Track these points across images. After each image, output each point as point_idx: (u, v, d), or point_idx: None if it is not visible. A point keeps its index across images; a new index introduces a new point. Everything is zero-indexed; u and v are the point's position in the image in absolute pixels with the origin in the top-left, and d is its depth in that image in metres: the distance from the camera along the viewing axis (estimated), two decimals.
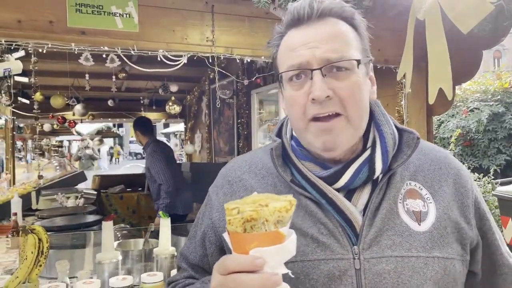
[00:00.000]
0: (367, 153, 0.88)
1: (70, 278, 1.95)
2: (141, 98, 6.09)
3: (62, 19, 1.75)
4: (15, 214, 3.17)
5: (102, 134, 21.23)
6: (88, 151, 12.76)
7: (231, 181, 0.97)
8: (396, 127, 0.93)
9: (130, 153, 30.71)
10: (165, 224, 2.03)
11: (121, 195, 5.71)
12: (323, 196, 0.87)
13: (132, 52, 1.90)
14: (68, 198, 3.82)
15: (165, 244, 2.00)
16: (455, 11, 1.31)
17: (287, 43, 0.89)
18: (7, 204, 3.83)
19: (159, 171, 3.92)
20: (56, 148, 22.08)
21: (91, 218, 3.09)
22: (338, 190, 0.87)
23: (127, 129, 28.05)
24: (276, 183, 0.92)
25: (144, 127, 4.25)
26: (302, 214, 0.87)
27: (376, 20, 2.26)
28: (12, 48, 1.85)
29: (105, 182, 6.01)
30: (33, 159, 16.97)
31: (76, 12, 1.76)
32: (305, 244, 0.85)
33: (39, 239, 1.73)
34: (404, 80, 2.46)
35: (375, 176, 0.87)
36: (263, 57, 1.96)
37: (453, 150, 5.39)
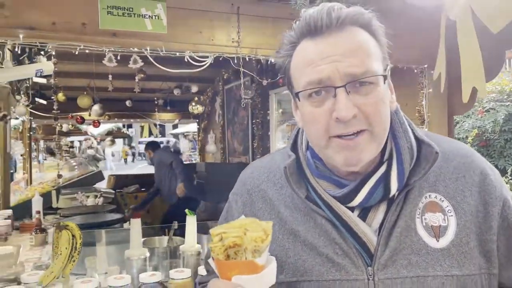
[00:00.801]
0: (382, 168, 0.84)
1: (98, 274, 2.00)
2: (155, 98, 6.16)
3: (94, 21, 1.80)
4: (38, 212, 3.23)
5: (112, 134, 21.38)
6: (91, 151, 11.85)
7: (250, 190, 0.96)
8: (415, 137, 0.87)
9: (140, 154, 30.88)
10: (191, 222, 2.07)
11: (135, 195, 5.79)
12: (337, 217, 0.85)
13: (161, 53, 1.94)
14: (87, 197, 3.88)
15: (191, 241, 2.04)
16: (486, 12, 1.34)
17: (304, 56, 0.82)
18: (26, 203, 3.91)
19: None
20: (68, 149, 22.25)
21: (112, 216, 3.15)
22: (353, 209, 0.85)
23: (137, 130, 28.19)
24: (293, 195, 0.90)
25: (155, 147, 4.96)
26: (318, 232, 0.86)
27: (396, 20, 2.29)
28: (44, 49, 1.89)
29: (120, 181, 6.08)
30: (45, 159, 17.16)
31: (108, 14, 1.81)
32: (320, 263, 0.85)
33: (73, 235, 1.78)
34: (425, 80, 2.49)
35: (391, 195, 0.84)
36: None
37: None
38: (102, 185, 5.94)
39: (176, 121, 7.37)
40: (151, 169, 5.15)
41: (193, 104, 4.57)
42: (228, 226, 0.71)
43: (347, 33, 0.79)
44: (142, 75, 3.89)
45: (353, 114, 0.77)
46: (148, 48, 1.94)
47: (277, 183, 0.93)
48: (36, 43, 1.77)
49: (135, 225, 2.01)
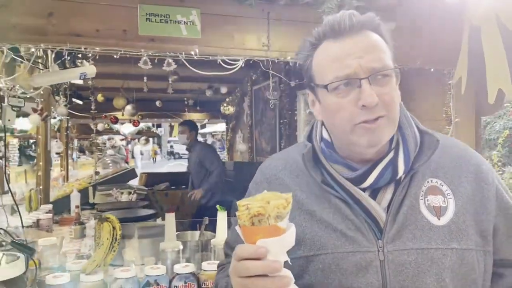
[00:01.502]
0: (391, 155, 0.96)
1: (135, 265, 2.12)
2: (185, 99, 6.32)
3: (134, 27, 1.92)
4: (77, 207, 3.42)
5: (142, 133, 21.85)
6: (110, 152, 11.14)
7: (269, 179, 1.07)
8: (418, 128, 1.00)
9: (169, 153, 31.38)
10: (221, 217, 2.18)
11: (166, 192, 5.95)
12: (350, 196, 0.95)
13: (195, 57, 2.05)
14: (122, 193, 4.06)
15: (221, 235, 2.14)
16: (509, 15, 1.37)
17: (328, 54, 0.94)
18: (64, 199, 4.12)
19: (213, 160, 4.72)
20: (100, 147, 22.87)
21: (145, 211, 3.30)
22: (364, 189, 0.96)
23: (166, 129, 28.70)
24: (309, 182, 1.01)
25: (194, 126, 4.89)
26: (333, 211, 0.97)
27: (424, 22, 2.32)
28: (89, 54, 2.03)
29: (151, 179, 6.27)
30: (79, 157, 17.73)
31: (147, 21, 1.94)
32: (334, 238, 0.95)
33: (113, 227, 1.91)
34: (452, 81, 2.51)
35: (398, 177, 0.95)
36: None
37: (500, 151, 5.29)
38: (135, 183, 6.15)
39: (205, 121, 7.52)
40: (180, 168, 5.29)
41: (225, 105, 4.71)
42: (252, 199, 0.79)
43: (365, 35, 0.93)
44: (175, 77, 4.03)
45: (377, 101, 0.89)
46: (183, 52, 2.06)
47: (293, 171, 1.04)
48: (81, 48, 1.92)
49: (170, 219, 2.13)
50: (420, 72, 2.55)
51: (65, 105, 4.97)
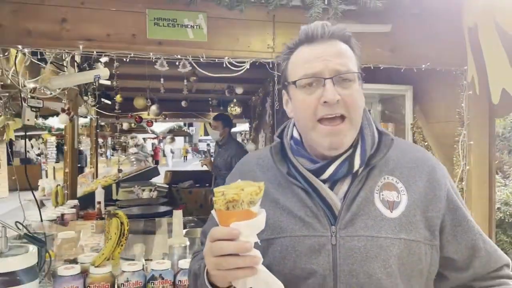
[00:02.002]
0: (349, 152, 1.06)
1: (145, 260, 2.21)
2: (209, 99, 6.42)
3: (142, 32, 2.01)
4: (99, 203, 3.57)
5: (174, 132, 22.23)
6: (133, 150, 10.78)
7: (242, 172, 1.19)
8: (377, 129, 1.11)
9: (199, 151, 31.79)
10: None
11: (190, 190, 6.08)
12: (311, 186, 1.06)
13: (201, 59, 2.12)
14: (143, 190, 4.19)
15: None
16: (504, 15, 1.35)
17: (301, 56, 1.06)
18: (90, 195, 4.30)
19: None
20: (124, 146, 23.48)
21: (163, 208, 3.40)
22: (324, 181, 1.06)
23: (197, 129, 29.11)
24: (276, 174, 1.13)
25: (228, 122, 4.85)
26: (294, 200, 1.08)
27: (435, 22, 2.29)
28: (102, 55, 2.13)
29: (176, 177, 6.42)
30: (112, 155, 18.30)
31: (155, 25, 2.01)
32: (293, 223, 1.05)
33: (121, 223, 2.00)
34: (465, 82, 2.46)
35: (354, 170, 1.05)
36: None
37: None
38: (159, 180, 6.31)
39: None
40: (205, 166, 5.36)
41: (232, 105, 4.78)
42: (228, 186, 0.88)
43: (334, 43, 1.05)
44: (194, 78, 4.12)
45: (338, 98, 1.00)
46: (190, 55, 2.12)
47: (264, 166, 1.17)
48: (93, 52, 2.02)
49: (177, 216, 2.20)
50: (433, 73, 2.52)
51: (93, 105, 5.18)
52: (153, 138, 25.10)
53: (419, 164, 1.10)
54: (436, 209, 1.05)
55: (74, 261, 2.13)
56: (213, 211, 0.89)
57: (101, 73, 2.17)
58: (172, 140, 18.70)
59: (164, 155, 24.87)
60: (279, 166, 1.12)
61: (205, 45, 2.08)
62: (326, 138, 1.02)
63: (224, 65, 2.17)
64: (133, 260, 2.22)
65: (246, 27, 2.12)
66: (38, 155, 16.03)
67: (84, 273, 1.91)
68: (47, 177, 9.29)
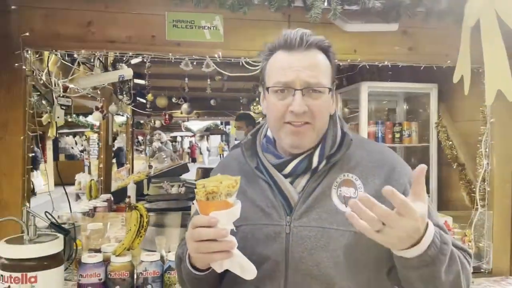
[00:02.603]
0: (310, 150, 1.15)
1: (167, 252, 2.31)
2: (240, 97, 6.52)
3: (161, 33, 2.10)
4: (129, 197, 3.75)
5: (210, 131, 22.59)
6: (156, 144, 11.00)
7: (224, 165, 1.35)
8: (342, 130, 1.20)
9: None
10: None
11: None
12: (273, 180, 1.17)
13: (218, 59, 2.19)
14: (172, 186, 4.33)
15: None
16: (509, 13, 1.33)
17: (277, 62, 1.14)
18: (124, 189, 4.49)
19: None
20: (171, 143, 24.08)
21: (189, 203, 3.51)
22: (286, 175, 1.16)
23: (232, 127, 29.32)
24: (247, 169, 1.23)
25: (251, 120, 4.77)
26: (258, 192, 1.18)
27: (455, 21, 2.25)
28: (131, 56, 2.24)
29: (207, 174, 6.52)
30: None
31: (173, 27, 2.10)
32: (255, 212, 1.16)
33: (141, 215, 2.11)
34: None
35: (313, 167, 1.15)
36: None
37: None
38: (191, 177, 6.47)
39: (260, 119, 7.69)
40: None
41: (254, 104, 4.82)
42: (209, 179, 0.99)
43: (310, 53, 1.12)
44: (220, 77, 4.21)
45: (303, 110, 1.10)
46: (207, 55, 2.20)
47: (241, 161, 1.27)
48: (116, 53, 2.14)
49: (194, 209, 2.27)
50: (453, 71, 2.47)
51: (129, 104, 5.39)
52: (191, 136, 25.62)
53: (380, 164, 1.17)
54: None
55: (99, 251, 2.26)
56: (194, 201, 0.99)
57: (125, 73, 2.29)
58: (201, 138, 18.97)
59: (201, 153, 25.30)
60: (248, 161, 1.22)
61: (222, 45, 2.15)
62: (289, 137, 1.13)
63: (241, 65, 2.23)
64: (155, 251, 2.32)
65: (262, 27, 2.17)
66: (82, 151, 16.74)
67: (106, 261, 2.03)
68: (90, 172, 9.71)
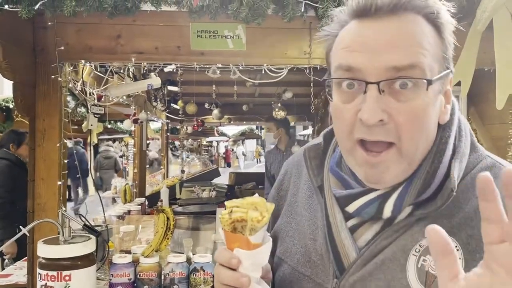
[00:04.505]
0: (391, 188, 0.72)
1: (193, 254, 2.40)
2: (272, 102, 6.57)
3: (186, 44, 2.19)
4: (161, 201, 3.88)
5: (245, 135, 22.78)
6: (153, 154, 9.71)
7: (294, 162, 0.98)
8: (449, 165, 0.71)
9: None
10: None
11: (252, 191, 6.27)
12: (326, 218, 0.80)
13: (240, 67, 2.26)
14: (203, 190, 4.44)
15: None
16: None
17: (342, 39, 0.71)
18: (157, 193, 4.64)
19: None
20: (207, 148, 24.49)
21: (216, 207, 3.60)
22: (351, 215, 0.77)
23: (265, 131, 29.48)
24: (309, 183, 0.88)
25: (281, 122, 4.55)
26: (314, 224, 0.84)
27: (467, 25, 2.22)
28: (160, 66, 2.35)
29: (240, 179, 6.65)
30: (187, 157, 19.25)
31: (197, 37, 2.19)
32: (301, 253, 0.83)
33: (167, 218, 2.20)
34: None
35: (384, 217, 0.73)
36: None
37: None
38: (223, 181, 6.58)
39: (292, 123, 7.70)
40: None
41: (276, 110, 4.82)
42: (241, 201, 0.73)
43: (401, 20, 0.66)
44: (251, 83, 4.28)
45: (379, 119, 0.64)
46: (230, 63, 2.28)
47: (301, 169, 0.92)
48: (144, 64, 2.25)
49: (220, 213, 2.34)
50: (487, 73, 2.42)
51: (163, 110, 5.56)
52: (226, 141, 25.96)
53: None
54: None
55: (129, 252, 2.36)
56: (220, 229, 0.77)
57: (153, 82, 2.41)
58: (234, 143, 19.10)
59: (237, 157, 25.58)
60: (311, 175, 0.84)
61: (244, 53, 2.22)
62: (361, 168, 0.71)
63: (263, 72, 2.29)
64: (183, 253, 2.41)
65: (283, 35, 2.22)
66: (121, 156, 17.31)
67: (136, 262, 2.13)
68: (126, 177, 10.05)
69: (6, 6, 1.55)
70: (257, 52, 2.23)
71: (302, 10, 1.67)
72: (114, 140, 16.76)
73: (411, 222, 0.72)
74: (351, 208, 0.75)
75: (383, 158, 0.67)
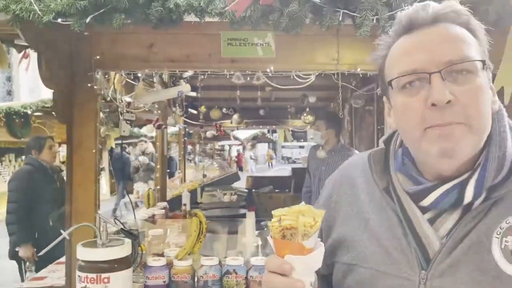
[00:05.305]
0: (465, 175, 0.78)
1: (223, 257, 2.45)
2: (288, 106, 6.62)
3: (217, 51, 2.25)
4: (185, 205, 3.93)
5: (257, 139, 22.83)
6: (143, 159, 8.98)
7: (342, 176, 1.02)
8: None
9: (283, 157, 32.15)
10: None
11: (270, 195, 6.30)
12: (403, 213, 0.84)
13: (270, 74, 2.31)
14: (224, 194, 4.49)
15: None
16: None
17: (398, 49, 0.83)
18: (178, 198, 4.71)
19: None
20: (219, 152, 24.61)
21: (241, 211, 3.66)
22: (426, 209, 0.82)
23: (281, 135, 29.44)
24: (375, 188, 0.91)
25: (333, 121, 4.07)
26: (386, 225, 0.87)
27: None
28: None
29: (257, 182, 6.70)
30: (200, 161, 19.37)
31: (228, 45, 2.24)
32: (378, 253, 0.86)
33: (200, 221, 2.25)
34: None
35: (465, 202, 0.78)
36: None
37: None
38: (241, 185, 6.64)
39: (308, 127, 7.74)
40: (283, 172, 5.57)
41: (305, 114, 4.85)
42: (288, 210, 0.76)
43: (443, 26, 0.80)
44: (270, 88, 4.34)
45: (448, 99, 0.74)
46: (260, 70, 2.33)
47: (367, 174, 0.95)
48: (176, 71, 2.31)
49: (250, 217, 2.40)
50: None
51: (181, 115, 5.64)
52: (238, 145, 26.06)
53: None
54: None
55: (161, 255, 2.42)
56: (268, 237, 0.80)
57: (184, 89, 2.47)
58: (253, 146, 19.15)
59: (250, 160, 25.67)
60: (376, 178, 0.90)
61: (273, 60, 2.26)
62: (435, 144, 0.76)
63: (292, 78, 2.34)
64: (213, 256, 2.46)
65: (311, 42, 2.26)
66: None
67: (169, 265, 2.19)
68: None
69: (59, 20, 1.61)
70: (286, 58, 2.27)
71: (340, 19, 1.70)
72: (128, 145, 16.94)
73: (488, 206, 0.78)
74: (427, 201, 0.81)
75: (454, 129, 0.75)
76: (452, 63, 0.76)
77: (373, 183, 0.92)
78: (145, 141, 9.60)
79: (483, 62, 0.78)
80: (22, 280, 3.86)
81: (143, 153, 9.22)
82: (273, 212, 0.77)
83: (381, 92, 0.93)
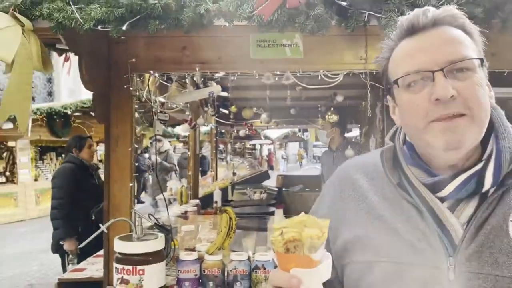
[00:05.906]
0: (480, 165, 0.84)
1: (252, 253, 2.51)
2: (319, 106, 6.61)
3: (246, 53, 2.31)
4: (216, 202, 4.04)
5: (288, 138, 22.83)
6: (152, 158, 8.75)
7: (342, 180, 1.03)
8: None
9: (314, 157, 31.98)
10: None
11: (300, 194, 6.32)
12: (424, 204, 0.87)
13: (298, 74, 2.35)
14: (254, 192, 4.57)
15: None
16: None
17: (402, 51, 0.89)
18: (210, 195, 4.82)
19: None
20: (250, 151, 24.77)
21: (271, 208, 3.71)
22: (443, 199, 0.86)
23: (312, 134, 29.32)
24: (383, 186, 0.94)
25: (344, 128, 4.23)
26: (403, 218, 0.89)
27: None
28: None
29: (287, 181, 6.73)
30: (231, 160, 19.58)
31: (257, 47, 2.31)
32: (400, 247, 0.86)
33: (230, 218, 2.33)
34: None
35: (484, 190, 0.84)
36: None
37: None
38: (271, 183, 6.69)
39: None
40: (314, 171, 5.58)
41: (329, 113, 4.83)
42: (289, 222, 0.75)
43: (439, 30, 0.87)
44: (300, 87, 4.37)
45: (451, 94, 0.80)
46: (288, 71, 2.38)
47: (369, 174, 0.98)
48: (207, 73, 2.39)
49: (278, 214, 2.46)
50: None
51: (213, 115, 5.76)
52: (269, 144, 26.14)
53: None
54: None
55: (193, 250, 2.52)
56: (271, 252, 0.79)
57: (214, 90, 2.55)
58: (281, 146, 19.13)
59: (281, 159, 25.69)
60: (389, 174, 0.93)
61: (301, 60, 2.31)
62: (440, 136, 0.82)
63: (319, 78, 2.37)
64: (242, 252, 2.53)
65: (339, 41, 2.29)
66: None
67: (200, 259, 2.27)
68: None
69: (99, 27, 1.72)
70: (314, 59, 2.31)
71: (365, 20, 1.73)
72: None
73: (502, 192, 0.84)
74: (445, 192, 0.85)
75: (458, 122, 0.81)
76: (453, 62, 0.83)
77: (380, 182, 0.95)
78: (159, 140, 9.03)
79: (481, 60, 0.85)
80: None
81: (158, 151, 8.68)
82: (274, 225, 0.76)
83: (385, 91, 0.98)
